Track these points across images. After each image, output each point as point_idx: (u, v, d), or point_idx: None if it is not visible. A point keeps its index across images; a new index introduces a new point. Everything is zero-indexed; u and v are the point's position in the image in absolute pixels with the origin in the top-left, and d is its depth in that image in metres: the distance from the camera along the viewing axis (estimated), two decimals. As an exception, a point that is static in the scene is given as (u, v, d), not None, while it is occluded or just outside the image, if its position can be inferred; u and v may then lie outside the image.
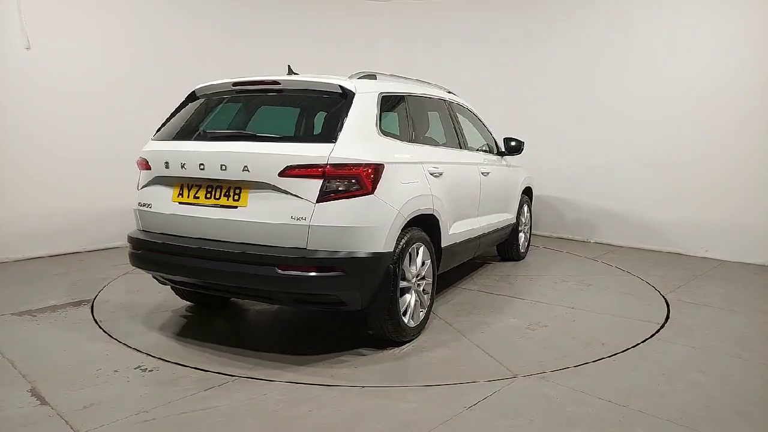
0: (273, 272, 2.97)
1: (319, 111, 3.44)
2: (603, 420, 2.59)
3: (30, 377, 2.95)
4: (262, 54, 7.02)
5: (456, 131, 4.52)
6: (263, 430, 2.47)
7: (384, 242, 3.15)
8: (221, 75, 3.86)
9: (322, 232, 2.98)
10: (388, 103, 3.67)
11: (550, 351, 3.41)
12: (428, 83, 4.60)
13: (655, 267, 5.73)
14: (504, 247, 5.76)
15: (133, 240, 3.49)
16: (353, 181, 3.04)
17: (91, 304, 4.23)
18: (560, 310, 4.21)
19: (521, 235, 5.86)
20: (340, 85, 3.34)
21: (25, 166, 5.59)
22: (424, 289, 3.64)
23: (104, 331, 3.67)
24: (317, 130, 3.21)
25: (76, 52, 5.82)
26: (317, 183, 2.98)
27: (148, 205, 3.46)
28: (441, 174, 3.83)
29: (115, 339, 3.52)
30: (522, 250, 5.93)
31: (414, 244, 3.45)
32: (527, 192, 6.00)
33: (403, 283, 3.38)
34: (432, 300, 3.79)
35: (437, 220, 3.74)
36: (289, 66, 3.96)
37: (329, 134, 3.13)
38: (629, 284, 5.02)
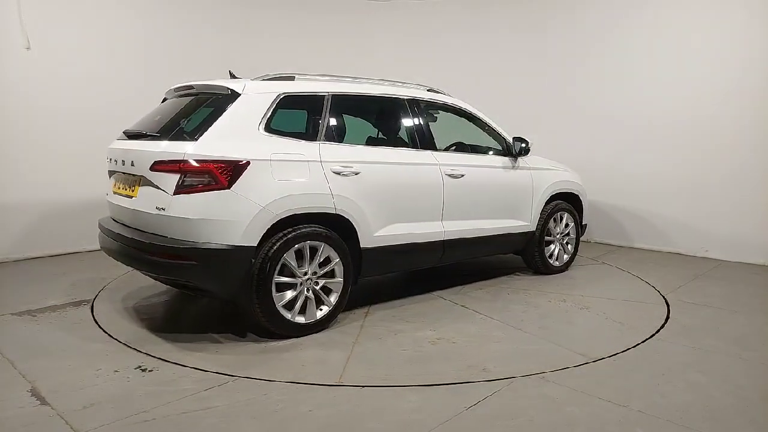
0: (145, 257, 3.37)
1: (209, 111, 3.60)
2: (603, 420, 2.59)
3: (30, 377, 2.95)
4: (261, 54, 7.01)
5: (417, 131, 4.38)
6: (263, 430, 2.47)
7: (241, 236, 3.29)
8: (219, 75, 3.88)
9: (177, 222, 3.26)
10: (295, 103, 3.81)
11: (415, 366, 3.17)
12: (399, 83, 4.54)
13: (655, 267, 5.72)
14: (526, 257, 5.31)
15: (99, 225, 4.05)
16: (207, 176, 3.25)
17: (91, 304, 4.23)
18: (504, 330, 3.78)
19: (553, 246, 5.34)
20: (227, 87, 3.60)
21: (25, 165, 5.59)
22: (325, 287, 3.68)
23: (104, 331, 3.67)
24: (191, 128, 3.48)
25: (76, 52, 5.82)
26: (175, 177, 3.26)
27: (107, 194, 4.04)
28: (357, 174, 3.80)
29: (115, 339, 3.52)
30: (556, 263, 5.36)
31: (305, 241, 3.52)
32: (566, 198, 5.44)
33: (289, 279, 3.50)
34: (342, 298, 3.76)
35: (348, 220, 3.75)
36: (230, 71, 4.16)
37: (194, 132, 3.39)
38: (628, 312, 4.19)
